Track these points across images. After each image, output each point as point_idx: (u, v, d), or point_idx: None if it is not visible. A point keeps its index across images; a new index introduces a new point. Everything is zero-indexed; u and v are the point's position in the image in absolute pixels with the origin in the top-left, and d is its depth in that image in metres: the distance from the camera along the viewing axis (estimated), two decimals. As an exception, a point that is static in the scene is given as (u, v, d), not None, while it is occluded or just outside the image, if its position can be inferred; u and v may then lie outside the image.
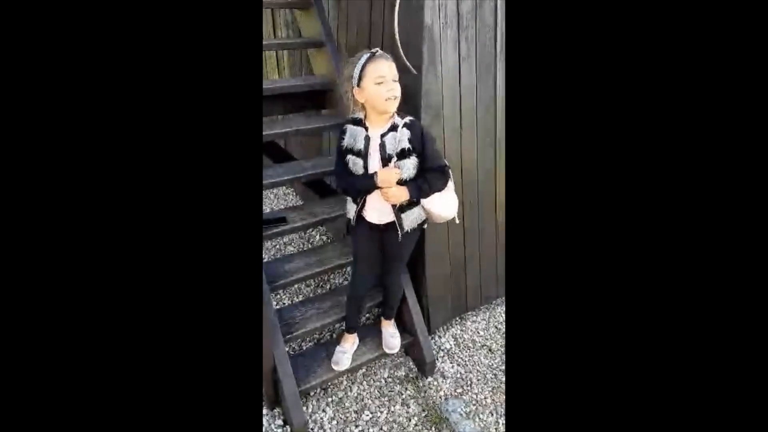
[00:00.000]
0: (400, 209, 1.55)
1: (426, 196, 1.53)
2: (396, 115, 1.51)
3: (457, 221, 1.70)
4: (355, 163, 1.51)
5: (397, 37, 1.70)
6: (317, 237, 2.81)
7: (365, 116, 1.52)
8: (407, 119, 1.49)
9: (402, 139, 1.46)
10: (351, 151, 1.51)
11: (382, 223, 1.60)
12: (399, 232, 1.58)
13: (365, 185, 1.51)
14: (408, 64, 1.71)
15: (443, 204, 1.58)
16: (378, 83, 1.41)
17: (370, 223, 1.62)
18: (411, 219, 1.58)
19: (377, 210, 1.58)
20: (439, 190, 1.55)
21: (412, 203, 1.55)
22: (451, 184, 1.59)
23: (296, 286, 2.37)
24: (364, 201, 1.58)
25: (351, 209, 1.63)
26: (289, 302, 2.30)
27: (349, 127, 1.53)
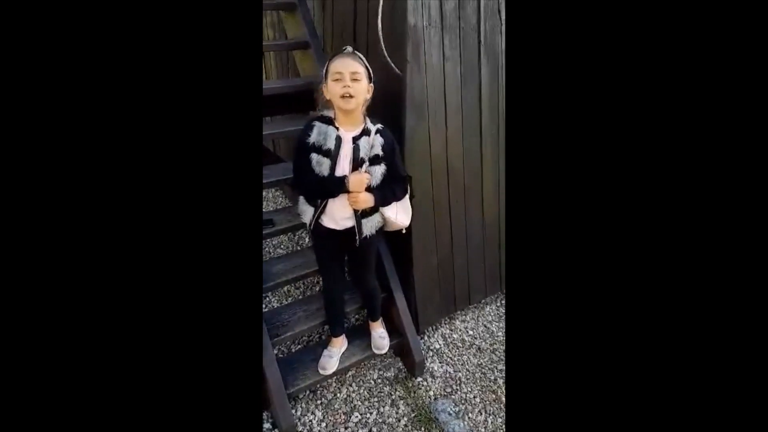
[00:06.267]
0: (361, 215, 1.52)
1: (389, 203, 1.53)
2: (367, 119, 1.49)
3: (404, 231, 1.68)
4: (320, 163, 1.43)
5: (381, 37, 1.71)
6: (306, 239, 2.80)
7: (335, 116, 1.48)
8: (379, 126, 1.49)
9: (375, 144, 1.45)
10: (318, 149, 1.43)
11: (342, 228, 1.55)
12: (357, 237, 1.55)
13: (335, 188, 1.45)
14: (392, 64, 1.72)
15: (400, 212, 1.59)
16: (335, 80, 1.39)
17: (328, 228, 1.56)
18: (370, 225, 1.55)
19: (338, 215, 1.53)
20: (399, 200, 1.56)
21: (373, 210, 1.53)
22: (407, 195, 1.61)
23: (285, 288, 2.36)
24: (324, 205, 1.51)
25: (307, 212, 1.55)
26: (278, 304, 2.29)
27: (318, 124, 1.46)
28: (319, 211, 1.52)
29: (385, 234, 1.74)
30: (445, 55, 1.81)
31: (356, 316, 2.14)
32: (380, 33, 1.70)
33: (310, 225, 1.55)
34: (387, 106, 1.56)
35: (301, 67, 2.35)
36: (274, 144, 3.26)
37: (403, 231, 1.66)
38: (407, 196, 1.61)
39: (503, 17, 1.96)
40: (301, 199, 1.57)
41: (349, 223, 1.53)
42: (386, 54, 1.71)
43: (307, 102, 2.20)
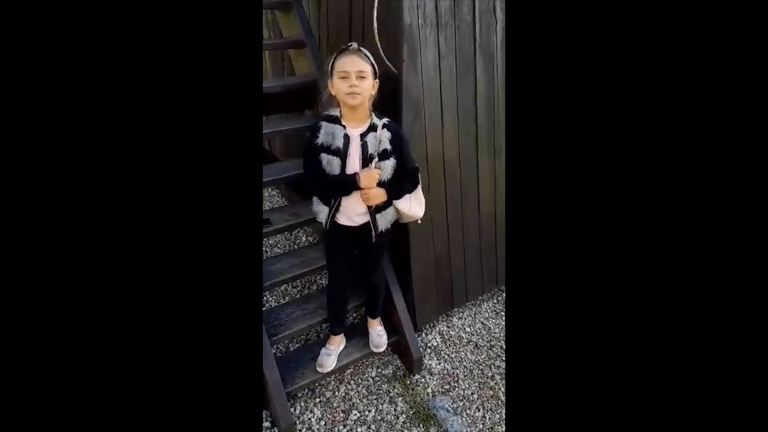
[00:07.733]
0: (375, 210, 1.54)
1: (401, 196, 1.55)
2: (373, 114, 1.50)
3: (419, 222, 1.69)
4: (330, 162, 1.45)
5: (376, 36, 1.71)
6: (303, 238, 2.80)
7: (341, 114, 1.49)
8: (385, 120, 1.49)
9: (383, 139, 1.46)
10: (327, 149, 1.45)
11: (357, 225, 1.58)
12: (373, 233, 1.57)
13: (347, 186, 1.47)
14: (388, 63, 1.72)
15: (414, 204, 1.59)
16: (341, 77, 1.39)
17: (343, 226, 1.58)
18: (385, 219, 1.58)
19: (352, 212, 1.55)
20: (411, 192, 1.57)
21: (387, 204, 1.55)
22: (419, 186, 1.61)
23: (283, 287, 2.36)
24: (339, 203, 1.53)
25: (322, 212, 1.58)
26: (276, 303, 2.29)
27: (325, 124, 1.47)
28: (334, 209, 1.54)
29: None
30: (440, 54, 1.82)
31: (354, 315, 2.15)
32: (376, 32, 1.70)
33: (326, 224, 1.58)
34: (383, 105, 1.56)
35: (296, 66, 2.34)
36: (270, 143, 3.25)
37: (418, 222, 1.67)
38: (419, 188, 1.61)
39: (498, 15, 1.97)
40: (315, 199, 1.60)
41: (364, 219, 1.56)
42: (382, 53, 1.71)
43: (302, 101, 2.20)
